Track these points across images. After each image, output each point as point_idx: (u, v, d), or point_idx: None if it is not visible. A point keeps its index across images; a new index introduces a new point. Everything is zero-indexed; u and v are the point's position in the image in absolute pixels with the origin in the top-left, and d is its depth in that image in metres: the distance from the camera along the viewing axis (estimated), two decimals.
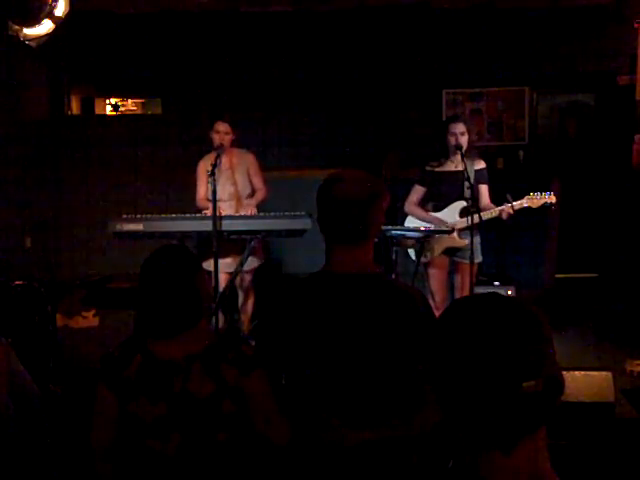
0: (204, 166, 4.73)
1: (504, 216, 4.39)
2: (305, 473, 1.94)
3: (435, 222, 4.56)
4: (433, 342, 1.04)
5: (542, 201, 4.38)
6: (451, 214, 4.55)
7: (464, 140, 4.42)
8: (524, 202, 4.39)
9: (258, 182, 4.93)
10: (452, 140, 4.43)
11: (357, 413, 1.91)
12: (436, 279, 4.64)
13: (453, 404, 0.97)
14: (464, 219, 4.46)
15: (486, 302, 1.04)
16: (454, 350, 0.99)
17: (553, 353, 0.99)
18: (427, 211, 4.67)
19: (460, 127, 4.44)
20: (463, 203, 4.51)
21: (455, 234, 4.51)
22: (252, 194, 4.93)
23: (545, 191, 4.45)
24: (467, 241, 4.47)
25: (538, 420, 0.96)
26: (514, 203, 4.37)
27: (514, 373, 0.94)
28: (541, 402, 0.94)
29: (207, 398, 1.92)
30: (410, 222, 4.71)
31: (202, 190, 4.84)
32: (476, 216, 4.25)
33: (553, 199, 4.39)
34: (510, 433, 0.94)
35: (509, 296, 1.09)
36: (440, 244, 4.55)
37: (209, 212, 4.46)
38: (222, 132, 4.69)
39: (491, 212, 4.39)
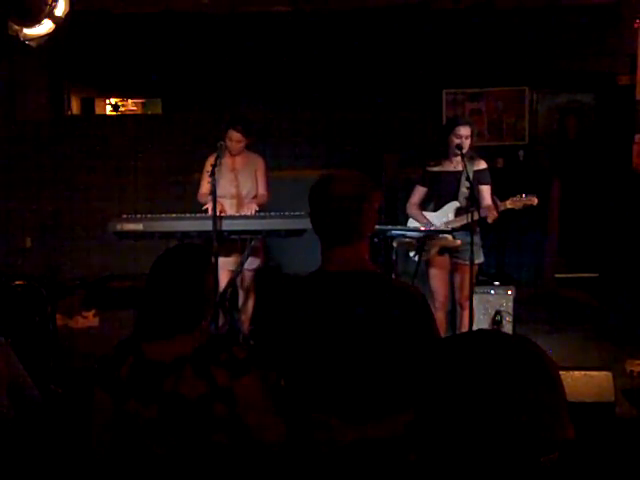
0: (209, 164, 4.74)
1: (489, 219, 4.39)
2: (302, 473, 1.94)
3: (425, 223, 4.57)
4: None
5: (523, 202, 4.37)
6: (445, 214, 4.55)
7: (467, 143, 4.42)
8: (507, 204, 4.39)
9: (261, 187, 4.94)
10: (456, 141, 4.42)
11: (355, 411, 1.91)
12: (437, 279, 4.64)
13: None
14: (455, 219, 4.47)
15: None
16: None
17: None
18: (425, 211, 4.68)
19: (467, 130, 4.43)
20: (457, 203, 4.51)
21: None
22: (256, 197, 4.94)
23: (538, 192, 4.45)
24: (460, 241, 4.46)
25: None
26: (498, 204, 4.38)
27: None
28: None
29: (198, 400, 1.91)
30: (412, 222, 4.71)
31: (204, 187, 4.86)
32: (469, 216, 4.25)
33: (534, 201, 4.37)
34: None
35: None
36: (435, 244, 4.55)
37: (209, 207, 4.47)
38: (234, 141, 4.75)
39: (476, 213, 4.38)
